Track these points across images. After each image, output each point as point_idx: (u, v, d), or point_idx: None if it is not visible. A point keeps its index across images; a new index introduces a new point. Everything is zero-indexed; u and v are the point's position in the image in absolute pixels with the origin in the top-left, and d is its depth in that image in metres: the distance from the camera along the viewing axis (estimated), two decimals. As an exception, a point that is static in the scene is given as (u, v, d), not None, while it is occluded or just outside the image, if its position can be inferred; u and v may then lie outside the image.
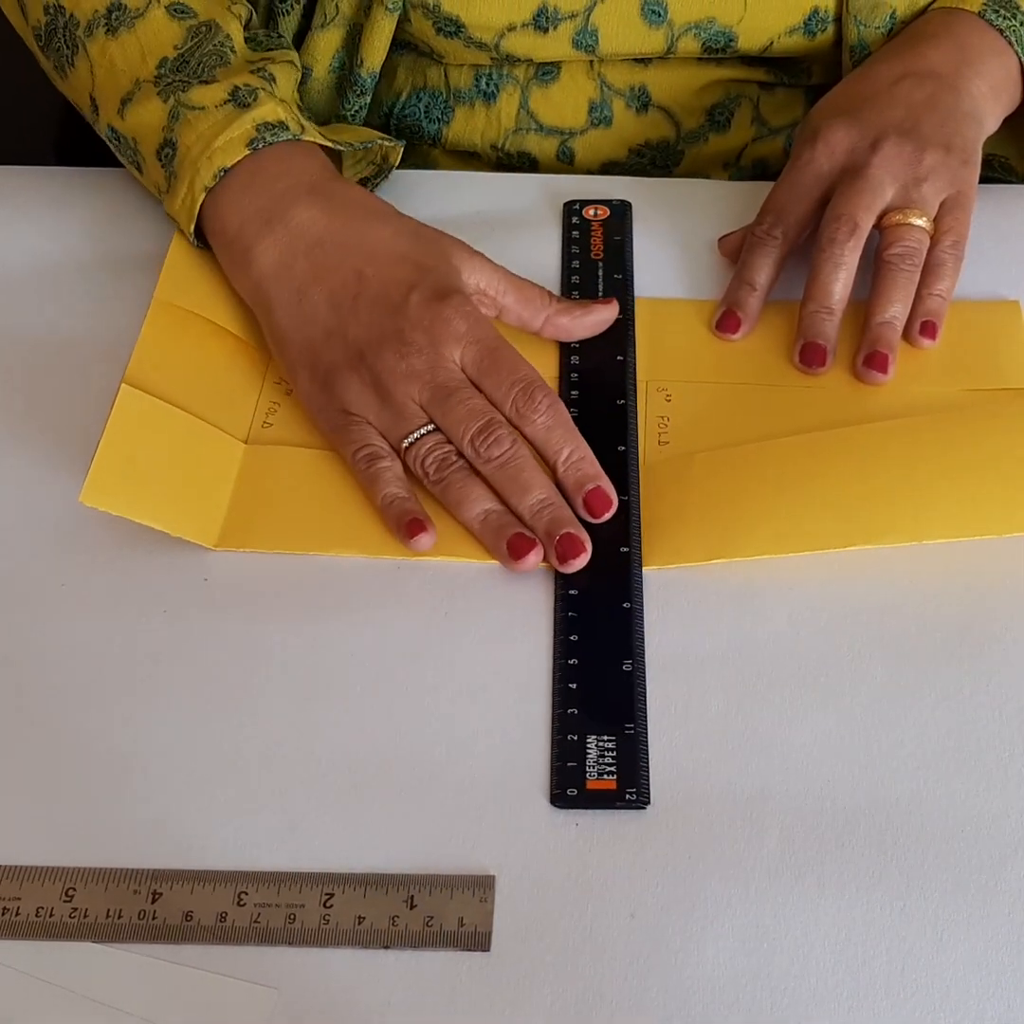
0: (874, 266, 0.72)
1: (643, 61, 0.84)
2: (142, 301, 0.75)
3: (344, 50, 0.83)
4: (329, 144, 0.75)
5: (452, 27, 0.81)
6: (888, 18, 0.81)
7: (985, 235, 0.76)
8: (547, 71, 0.85)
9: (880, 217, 0.72)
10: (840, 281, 0.71)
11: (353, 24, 0.82)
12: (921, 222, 0.72)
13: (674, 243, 0.79)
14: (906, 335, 0.71)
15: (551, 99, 0.86)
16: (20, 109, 0.86)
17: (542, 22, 0.81)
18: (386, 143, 0.79)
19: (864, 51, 0.82)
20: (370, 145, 0.79)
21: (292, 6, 0.82)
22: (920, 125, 0.74)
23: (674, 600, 0.62)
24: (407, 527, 0.63)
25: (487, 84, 0.86)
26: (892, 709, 0.58)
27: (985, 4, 0.78)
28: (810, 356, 0.70)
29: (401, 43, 0.85)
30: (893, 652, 0.60)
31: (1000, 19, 0.78)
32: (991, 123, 0.78)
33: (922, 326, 0.71)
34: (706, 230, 0.79)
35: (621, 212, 0.80)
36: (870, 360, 0.69)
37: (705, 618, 0.61)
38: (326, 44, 0.82)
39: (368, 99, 0.84)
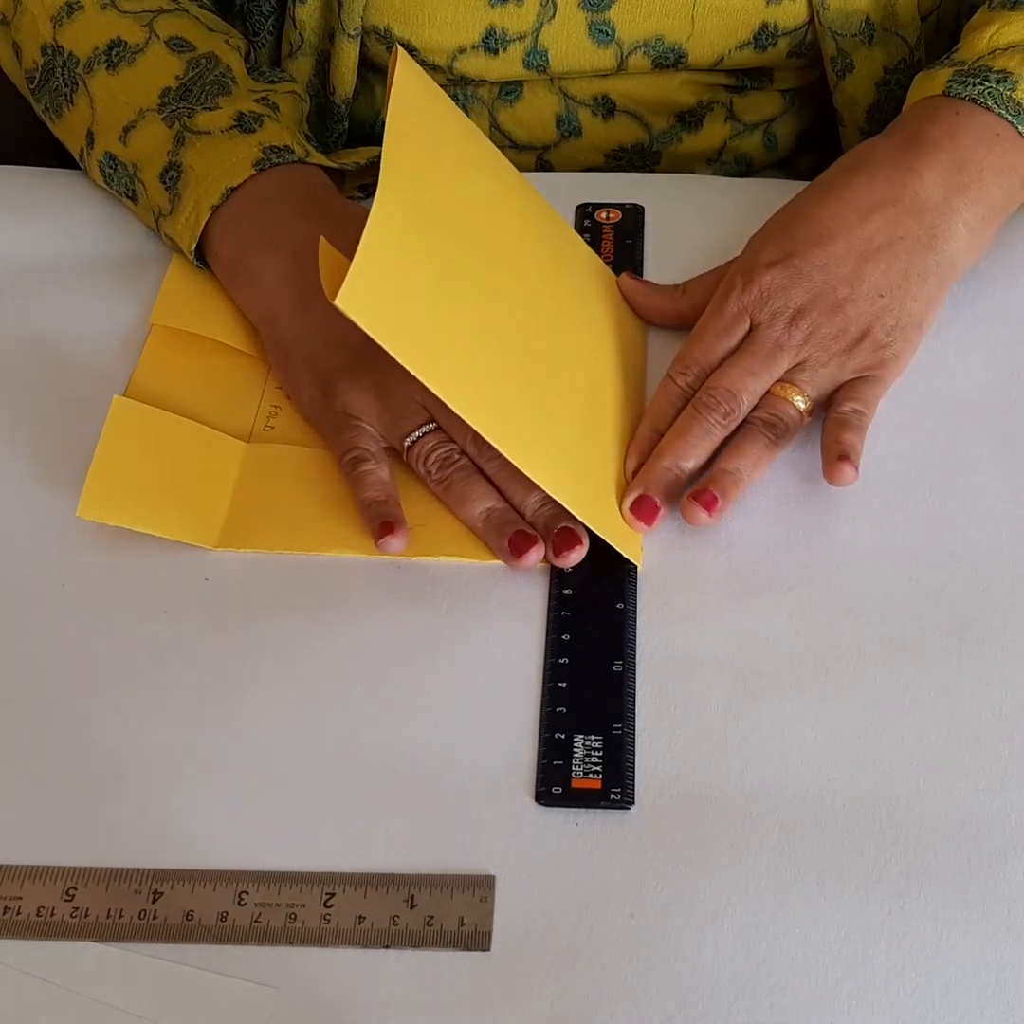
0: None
1: (601, 74, 0.84)
2: (144, 301, 0.75)
3: (316, 78, 0.84)
4: (334, 165, 0.76)
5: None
6: (863, 23, 0.80)
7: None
8: (510, 90, 0.85)
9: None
10: (703, 449, 0.64)
11: (320, 52, 0.83)
12: (800, 402, 0.65)
13: (686, 243, 0.78)
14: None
15: (518, 117, 0.86)
16: (20, 109, 0.85)
17: (491, 44, 0.81)
18: None
19: (845, 60, 0.81)
20: (376, 160, 0.79)
21: (265, 39, 0.83)
22: (857, 297, 0.65)
23: (672, 601, 0.62)
24: (379, 529, 0.62)
25: None
26: (892, 708, 0.58)
27: (948, 82, 0.70)
28: (641, 509, 0.63)
29: (375, 64, 0.85)
30: (893, 651, 0.60)
31: (968, 88, 0.69)
32: (968, 261, 0.69)
33: (839, 456, 0.63)
34: (720, 229, 0.78)
35: (634, 215, 0.80)
36: (698, 495, 0.62)
37: (704, 618, 0.61)
38: (298, 73, 0.83)
39: (346, 124, 0.85)
